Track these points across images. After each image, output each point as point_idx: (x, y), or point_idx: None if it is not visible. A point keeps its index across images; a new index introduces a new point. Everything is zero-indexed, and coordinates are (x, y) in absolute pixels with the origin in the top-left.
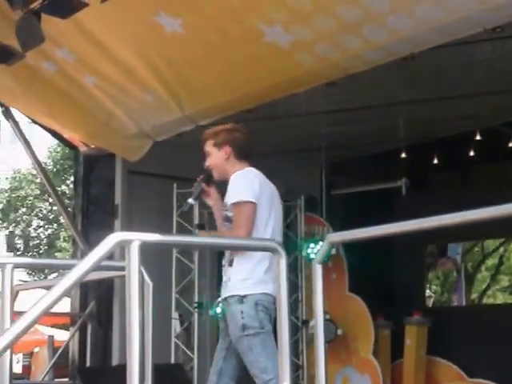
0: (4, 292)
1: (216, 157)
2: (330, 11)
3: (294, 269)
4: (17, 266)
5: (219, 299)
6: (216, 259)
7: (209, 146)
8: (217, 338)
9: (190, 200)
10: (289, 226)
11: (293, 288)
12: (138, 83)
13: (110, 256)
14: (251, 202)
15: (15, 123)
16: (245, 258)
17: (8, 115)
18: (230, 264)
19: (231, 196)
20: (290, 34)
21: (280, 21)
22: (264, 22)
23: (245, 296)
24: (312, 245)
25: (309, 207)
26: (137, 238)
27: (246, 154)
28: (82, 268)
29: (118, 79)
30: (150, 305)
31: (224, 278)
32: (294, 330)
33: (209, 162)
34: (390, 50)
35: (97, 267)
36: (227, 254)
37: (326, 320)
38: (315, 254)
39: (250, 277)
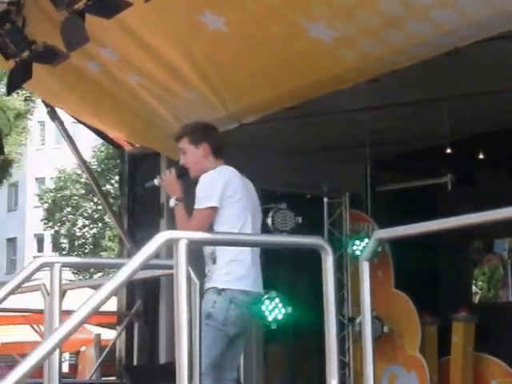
0: (53, 291)
1: (194, 154)
2: (373, 6)
3: (339, 266)
4: (65, 265)
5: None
6: (262, 256)
7: (184, 143)
8: (263, 335)
9: (156, 181)
10: (333, 223)
11: (338, 286)
12: (181, 82)
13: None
14: (211, 208)
15: (61, 124)
16: (225, 254)
17: (54, 116)
18: (214, 262)
19: (196, 200)
20: (333, 30)
21: (323, 17)
22: (307, 18)
23: (222, 289)
24: (357, 242)
25: (354, 204)
26: (184, 236)
27: (222, 151)
28: (130, 267)
29: (161, 78)
30: (196, 303)
31: (208, 275)
32: (340, 327)
33: (185, 160)
34: (434, 44)
35: (145, 266)
36: (207, 252)
37: (372, 317)
38: (360, 251)
39: (230, 272)
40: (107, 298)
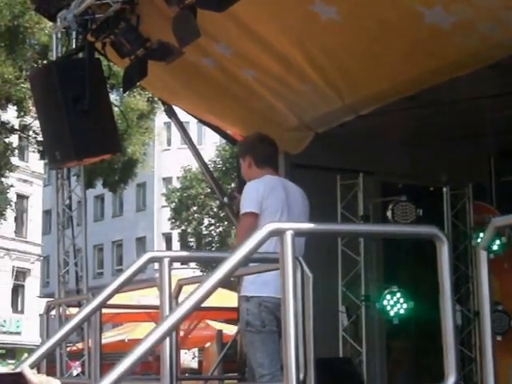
0: (163, 286)
1: (242, 167)
2: None
3: (464, 259)
4: (173, 259)
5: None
6: (382, 251)
7: (240, 159)
8: (386, 331)
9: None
10: (457, 215)
11: (464, 279)
12: (296, 74)
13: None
14: (251, 213)
15: (178, 122)
16: None
17: (171, 113)
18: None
19: (240, 207)
20: (450, 15)
21: (439, 1)
22: (422, 3)
23: (251, 297)
24: (482, 234)
25: (477, 195)
26: (290, 227)
27: (268, 160)
28: (233, 260)
29: (276, 71)
30: (310, 297)
31: (240, 282)
32: (466, 322)
33: (241, 173)
34: None
35: (249, 259)
36: None
37: (498, 311)
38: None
39: (256, 280)
40: (210, 292)
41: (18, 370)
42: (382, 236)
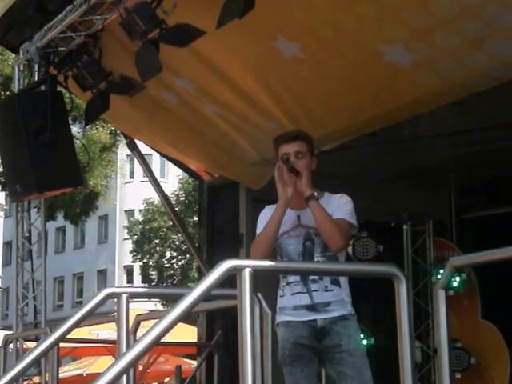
0: (120, 322)
1: (309, 163)
2: (451, 26)
3: (424, 296)
4: (132, 295)
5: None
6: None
7: (303, 147)
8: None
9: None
10: (417, 251)
11: (424, 315)
12: (259, 111)
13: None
14: (354, 227)
15: (140, 155)
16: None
17: (132, 147)
18: (338, 284)
19: (349, 213)
20: (410, 53)
21: (400, 39)
22: (383, 41)
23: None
24: (442, 271)
25: (438, 232)
26: (248, 264)
27: None
28: (191, 297)
29: (239, 107)
30: (269, 334)
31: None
32: (426, 358)
33: (302, 164)
34: None
35: (209, 296)
36: None
37: (458, 348)
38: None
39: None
40: (169, 328)
41: None
42: (342, 275)
